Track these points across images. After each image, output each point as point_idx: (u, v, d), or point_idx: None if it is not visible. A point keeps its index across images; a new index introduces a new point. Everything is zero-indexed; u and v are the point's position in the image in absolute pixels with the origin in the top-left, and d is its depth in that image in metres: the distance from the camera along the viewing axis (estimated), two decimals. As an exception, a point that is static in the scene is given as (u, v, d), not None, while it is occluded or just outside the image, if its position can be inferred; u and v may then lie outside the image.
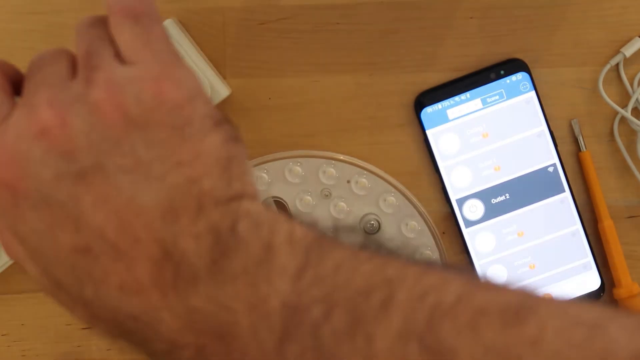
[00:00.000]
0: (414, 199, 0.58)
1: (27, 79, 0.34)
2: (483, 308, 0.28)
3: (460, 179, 0.58)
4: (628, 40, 0.58)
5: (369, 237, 0.58)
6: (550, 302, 0.29)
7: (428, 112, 0.58)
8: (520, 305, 0.28)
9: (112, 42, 0.34)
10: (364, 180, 0.57)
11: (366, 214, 0.58)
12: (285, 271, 0.30)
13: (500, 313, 0.28)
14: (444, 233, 0.59)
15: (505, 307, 0.28)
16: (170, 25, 0.54)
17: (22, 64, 0.56)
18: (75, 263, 0.31)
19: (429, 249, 0.58)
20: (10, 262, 0.56)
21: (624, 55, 0.58)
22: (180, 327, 0.31)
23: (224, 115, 0.34)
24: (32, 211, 0.31)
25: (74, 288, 0.32)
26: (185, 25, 0.57)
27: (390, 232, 0.58)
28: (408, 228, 0.58)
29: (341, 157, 0.58)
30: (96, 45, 0.34)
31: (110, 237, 0.31)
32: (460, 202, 0.58)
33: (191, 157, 0.32)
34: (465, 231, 0.58)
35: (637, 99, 0.58)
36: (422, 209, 0.58)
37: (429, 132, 0.58)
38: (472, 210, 0.58)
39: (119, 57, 0.33)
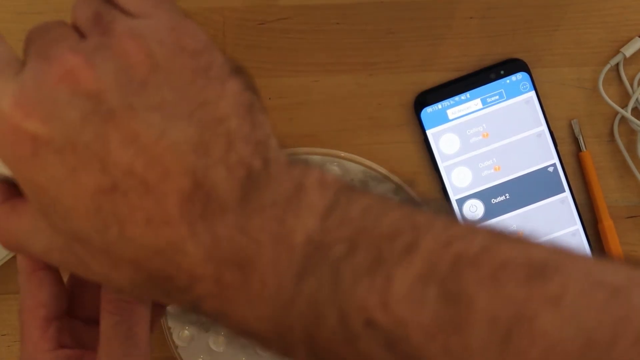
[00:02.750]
0: (417, 198, 0.58)
1: (31, 43, 0.34)
2: (507, 261, 0.28)
3: (460, 179, 0.58)
4: (628, 40, 0.58)
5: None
6: (576, 261, 0.29)
7: (428, 112, 0.58)
8: (545, 263, 0.28)
9: (116, 6, 0.34)
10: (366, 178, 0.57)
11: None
12: (313, 209, 0.31)
13: (523, 268, 0.28)
14: (444, 233, 0.59)
15: (529, 262, 0.28)
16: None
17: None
18: (98, 205, 0.31)
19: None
20: (9, 258, 0.56)
21: (624, 55, 0.57)
22: (202, 257, 0.31)
23: (240, 65, 0.34)
24: (54, 156, 0.31)
25: (95, 234, 0.32)
26: (186, 25, 0.57)
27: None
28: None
29: (343, 155, 0.57)
30: (103, 7, 0.34)
31: (138, 172, 0.31)
32: (460, 202, 0.58)
33: (215, 98, 0.32)
34: (465, 231, 0.58)
35: (637, 99, 0.58)
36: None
37: (429, 132, 0.58)
38: (472, 210, 0.58)
39: (129, 15, 0.34)
